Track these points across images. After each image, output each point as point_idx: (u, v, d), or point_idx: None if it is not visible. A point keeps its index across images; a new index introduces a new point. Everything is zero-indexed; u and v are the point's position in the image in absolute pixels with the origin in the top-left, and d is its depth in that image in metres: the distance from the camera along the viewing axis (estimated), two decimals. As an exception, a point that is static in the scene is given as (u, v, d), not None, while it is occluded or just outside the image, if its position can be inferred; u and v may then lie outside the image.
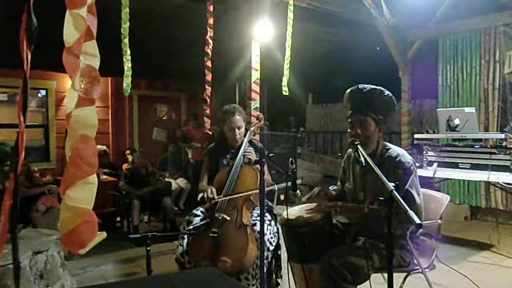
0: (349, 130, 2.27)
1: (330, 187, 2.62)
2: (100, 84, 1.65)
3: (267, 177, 2.96)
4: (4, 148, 4.18)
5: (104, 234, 1.65)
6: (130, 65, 3.28)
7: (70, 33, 1.49)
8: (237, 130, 2.95)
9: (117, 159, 7.04)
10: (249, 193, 2.66)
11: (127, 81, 3.27)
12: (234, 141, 2.98)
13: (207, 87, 4.04)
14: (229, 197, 2.66)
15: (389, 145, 2.33)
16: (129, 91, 3.30)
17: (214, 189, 2.72)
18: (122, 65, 3.17)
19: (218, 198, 2.67)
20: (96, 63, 1.64)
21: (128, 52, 3.25)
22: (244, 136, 2.98)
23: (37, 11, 1.29)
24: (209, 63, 4.01)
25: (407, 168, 2.18)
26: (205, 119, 4.20)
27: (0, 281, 2.40)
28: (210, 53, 3.99)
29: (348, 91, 2.32)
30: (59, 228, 1.55)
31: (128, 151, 6.98)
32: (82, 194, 1.55)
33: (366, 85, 2.27)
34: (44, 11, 1.47)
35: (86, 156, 1.56)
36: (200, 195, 2.73)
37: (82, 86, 1.56)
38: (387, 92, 2.27)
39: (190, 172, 7.14)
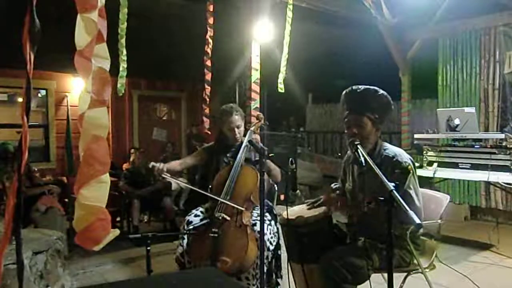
0: (346, 131, 2.29)
1: (333, 185, 2.64)
2: (110, 85, 1.67)
3: (277, 170, 2.93)
4: (8, 147, 4.18)
5: (117, 231, 1.69)
6: (125, 66, 3.29)
7: (81, 36, 1.51)
8: (236, 130, 2.97)
9: (117, 159, 7.04)
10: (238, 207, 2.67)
11: (121, 81, 3.28)
12: (234, 140, 3.00)
13: (206, 86, 4.04)
14: (228, 202, 2.65)
15: (387, 145, 2.33)
16: (123, 91, 3.31)
17: (165, 167, 2.75)
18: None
19: (222, 199, 2.66)
20: (106, 65, 1.67)
21: (124, 52, 3.26)
22: (244, 135, 2.99)
23: (38, 10, 1.30)
24: (209, 63, 4.01)
25: (405, 168, 2.18)
26: (204, 118, 4.20)
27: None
28: (210, 53, 3.99)
29: (343, 92, 2.34)
30: (74, 226, 1.58)
31: (133, 150, 6.98)
32: (96, 193, 1.58)
33: (360, 86, 2.29)
34: (44, 12, 1.47)
35: (98, 156, 1.59)
36: (151, 163, 2.76)
37: (94, 88, 1.58)
38: (381, 92, 2.28)
39: (198, 172, 7.12)
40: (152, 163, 2.75)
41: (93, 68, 1.58)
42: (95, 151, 1.58)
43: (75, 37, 1.49)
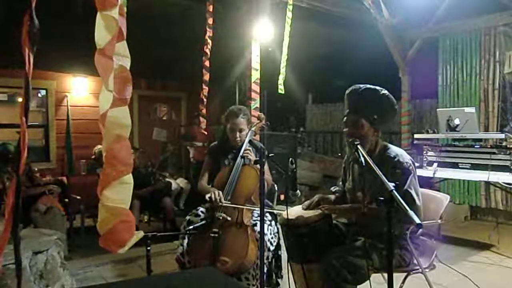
0: (344, 130, 2.29)
1: (332, 188, 2.63)
2: (131, 84, 1.64)
3: (268, 177, 2.95)
4: (8, 147, 4.18)
5: (141, 233, 1.65)
6: None
7: (101, 35, 1.48)
8: (238, 133, 2.93)
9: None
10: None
11: None
12: (234, 142, 2.98)
13: (204, 87, 4.03)
14: (235, 206, 2.64)
15: (388, 145, 2.33)
16: None
17: (220, 192, 2.69)
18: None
19: (225, 203, 2.66)
20: (127, 63, 1.64)
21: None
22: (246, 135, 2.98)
23: (37, 10, 1.29)
24: (207, 63, 4.01)
25: (406, 168, 2.18)
26: (201, 119, 4.20)
27: (0, 280, 2.40)
28: (208, 53, 3.98)
29: (346, 91, 2.33)
30: (97, 228, 1.55)
31: (133, 150, 6.97)
32: (119, 194, 1.55)
33: (362, 85, 2.27)
34: (44, 11, 1.47)
35: (120, 156, 1.57)
36: (207, 195, 2.67)
37: (115, 86, 1.55)
38: (383, 92, 2.26)
39: (191, 171, 7.12)
40: (208, 196, 2.66)
41: (114, 67, 1.56)
42: (118, 152, 1.56)
43: (95, 36, 1.46)
